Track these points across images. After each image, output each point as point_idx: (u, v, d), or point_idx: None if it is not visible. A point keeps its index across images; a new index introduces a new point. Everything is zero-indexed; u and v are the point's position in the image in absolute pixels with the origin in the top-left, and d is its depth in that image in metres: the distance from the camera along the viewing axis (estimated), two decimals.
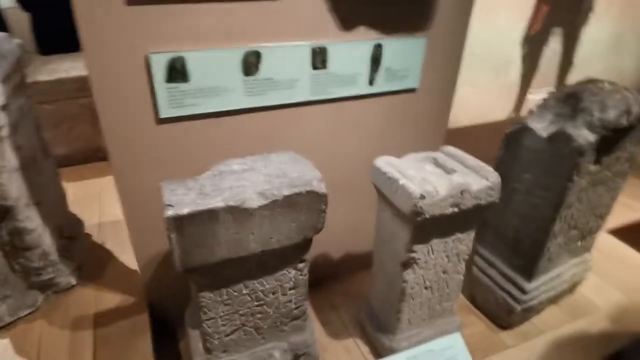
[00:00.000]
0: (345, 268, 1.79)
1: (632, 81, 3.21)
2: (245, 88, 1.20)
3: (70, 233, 1.60)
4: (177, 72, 1.12)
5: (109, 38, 1.03)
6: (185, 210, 0.89)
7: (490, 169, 1.19)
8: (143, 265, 1.36)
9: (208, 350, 1.16)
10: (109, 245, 1.71)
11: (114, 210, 1.92)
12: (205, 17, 1.10)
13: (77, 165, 2.29)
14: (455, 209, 1.14)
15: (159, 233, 1.29)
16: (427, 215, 1.10)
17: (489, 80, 2.60)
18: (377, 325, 1.46)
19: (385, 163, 1.22)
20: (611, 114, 1.23)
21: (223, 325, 1.13)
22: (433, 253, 1.26)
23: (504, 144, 1.47)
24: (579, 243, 1.59)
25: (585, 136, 1.24)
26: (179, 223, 0.89)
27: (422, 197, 1.08)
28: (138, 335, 1.30)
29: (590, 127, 1.25)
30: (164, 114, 1.15)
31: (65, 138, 2.28)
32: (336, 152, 1.47)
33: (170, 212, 0.89)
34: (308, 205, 1.00)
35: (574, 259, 1.64)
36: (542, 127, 1.36)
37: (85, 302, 1.42)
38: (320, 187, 1.00)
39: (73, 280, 1.48)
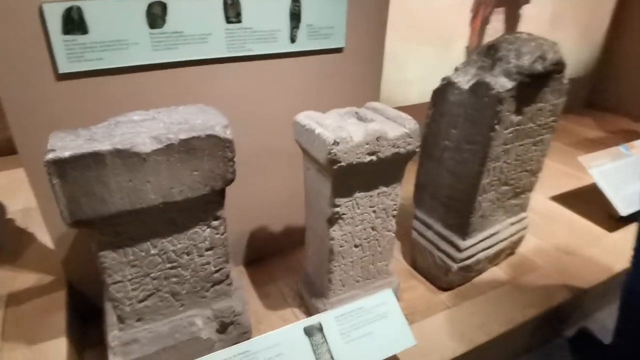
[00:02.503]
0: (288, 243, 1.74)
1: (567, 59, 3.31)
2: (153, 42, 1.15)
3: None
4: (73, 22, 1.05)
5: None
6: (67, 154, 0.83)
7: (408, 117, 1.18)
8: (57, 239, 1.28)
9: (120, 319, 1.09)
10: (31, 230, 1.61)
11: None
12: None
13: (5, 155, 2.17)
14: (374, 157, 1.12)
15: None
16: (343, 163, 1.07)
17: (437, 57, 2.62)
18: (313, 291, 1.41)
19: (305, 117, 1.19)
20: (526, 60, 1.24)
21: (133, 290, 1.06)
22: (358, 208, 1.23)
23: (432, 102, 1.47)
24: (513, 201, 1.60)
25: (502, 83, 1.24)
26: (61, 167, 0.83)
27: (336, 143, 1.05)
28: (53, 312, 1.22)
29: (508, 74, 1.26)
30: (63, 69, 1.08)
31: None
32: (260, 116, 1.42)
33: (50, 156, 0.82)
34: (210, 151, 0.95)
35: (510, 218, 1.64)
36: (465, 81, 1.36)
37: None
38: (224, 132, 0.96)
39: None
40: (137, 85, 1.18)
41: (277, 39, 1.32)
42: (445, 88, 1.41)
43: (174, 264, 1.08)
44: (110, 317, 1.14)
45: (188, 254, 1.09)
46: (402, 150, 1.15)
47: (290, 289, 1.58)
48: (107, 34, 1.09)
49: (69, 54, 1.07)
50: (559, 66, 1.29)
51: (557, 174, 2.46)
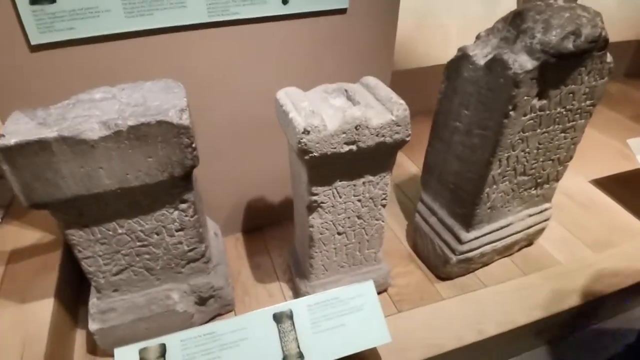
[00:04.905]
0: (285, 214, 1.69)
1: None
2: (125, 8, 1.07)
3: None
4: None
5: None
6: (12, 141, 0.81)
7: (399, 101, 1.03)
8: None
9: (97, 289, 1.13)
10: None
11: None
12: None
13: None
14: (353, 147, 1.01)
15: None
16: (315, 154, 0.98)
17: (477, 12, 2.30)
18: (298, 270, 1.39)
19: (284, 94, 1.08)
20: (553, 36, 1.01)
21: (106, 264, 1.09)
22: (340, 197, 1.14)
23: (445, 75, 1.29)
24: (534, 191, 1.42)
25: (522, 62, 1.04)
26: (9, 154, 0.82)
27: (306, 131, 0.95)
28: (46, 272, 1.29)
29: (530, 51, 1.05)
30: (35, 40, 1.04)
31: None
32: (251, 87, 1.32)
33: None
34: (164, 138, 0.89)
35: (528, 209, 1.47)
36: (482, 54, 1.16)
37: (4, 240, 1.41)
38: (178, 117, 0.89)
39: None
40: (112, 56, 1.12)
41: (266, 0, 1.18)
42: (459, 61, 1.22)
43: (144, 242, 1.09)
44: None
45: (158, 233, 1.08)
46: (387, 139, 1.02)
47: (283, 261, 1.57)
48: (76, 2, 1.03)
49: (39, 24, 1.02)
50: (597, 43, 1.04)
51: (608, 152, 2.15)
